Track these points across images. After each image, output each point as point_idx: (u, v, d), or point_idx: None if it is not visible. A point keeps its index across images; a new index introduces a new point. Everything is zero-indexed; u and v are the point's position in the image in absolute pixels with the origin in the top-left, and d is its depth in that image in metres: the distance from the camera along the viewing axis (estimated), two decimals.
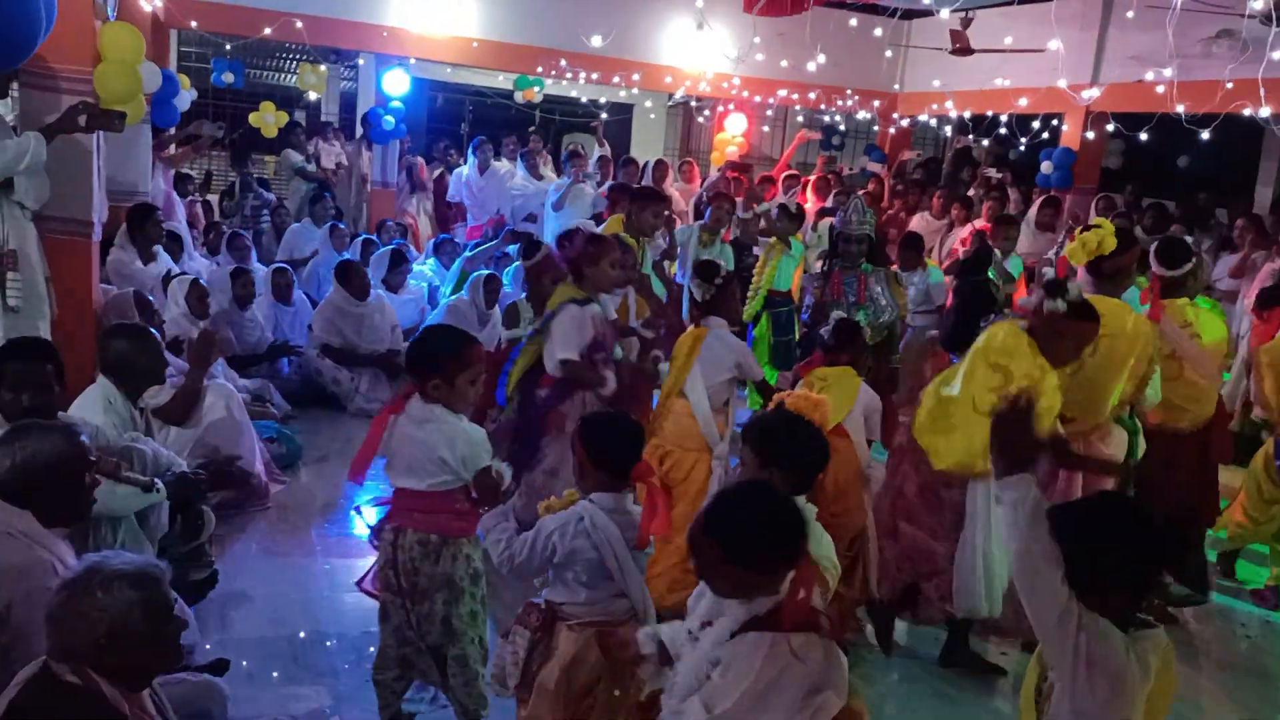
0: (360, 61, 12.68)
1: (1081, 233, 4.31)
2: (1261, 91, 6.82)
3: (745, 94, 11.37)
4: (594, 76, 10.74)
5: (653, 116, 15.28)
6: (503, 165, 10.77)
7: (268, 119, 11.77)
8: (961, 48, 9.39)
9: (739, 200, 8.46)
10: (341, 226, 9.02)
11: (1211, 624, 4.97)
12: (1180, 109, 7.64)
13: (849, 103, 11.76)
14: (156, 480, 3.41)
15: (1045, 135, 10.07)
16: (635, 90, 11.58)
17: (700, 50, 10.67)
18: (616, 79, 10.75)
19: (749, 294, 7.05)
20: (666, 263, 6.75)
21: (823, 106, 11.90)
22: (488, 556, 2.95)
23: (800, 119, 14.05)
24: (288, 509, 5.26)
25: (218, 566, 4.18)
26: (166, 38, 9.90)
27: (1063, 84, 8.70)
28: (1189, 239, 6.44)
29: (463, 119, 16.81)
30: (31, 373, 3.29)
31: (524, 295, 4.95)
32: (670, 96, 13.33)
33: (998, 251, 7.34)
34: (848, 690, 2.17)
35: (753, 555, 2.14)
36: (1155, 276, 4.69)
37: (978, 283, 5.60)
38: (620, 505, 2.80)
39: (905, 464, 4.03)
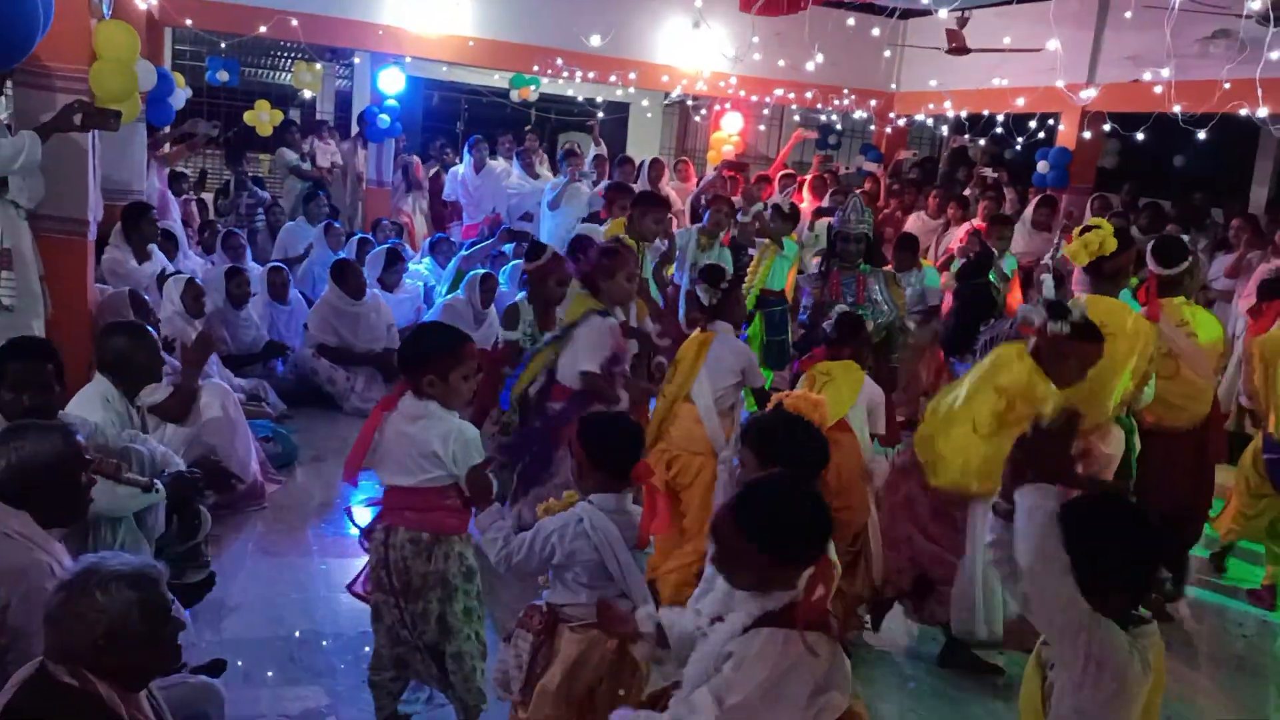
0: (356, 60, 12.67)
1: (1080, 234, 4.31)
2: (1259, 92, 6.83)
3: (742, 93, 11.36)
4: (590, 75, 10.73)
5: (649, 115, 15.28)
6: (498, 164, 10.76)
7: (262, 117, 11.74)
8: (957, 47, 9.39)
9: (735, 199, 8.46)
10: (337, 225, 9.00)
11: (1208, 623, 4.99)
12: (1177, 109, 7.64)
13: (845, 102, 11.76)
14: (156, 481, 3.40)
15: (1041, 135, 10.07)
16: (631, 89, 11.57)
17: (697, 49, 10.66)
18: (613, 78, 10.74)
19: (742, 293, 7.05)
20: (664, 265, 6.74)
21: (819, 106, 11.90)
22: (481, 553, 2.95)
23: (797, 118, 14.06)
24: (284, 509, 5.25)
25: (214, 567, 4.17)
26: (161, 36, 9.87)
27: (1060, 84, 8.71)
28: (1185, 238, 6.44)
29: (458, 118, 16.79)
30: (32, 373, 3.28)
31: (524, 296, 4.93)
32: (666, 95, 13.32)
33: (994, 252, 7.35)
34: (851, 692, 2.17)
35: (781, 545, 2.14)
36: (1152, 275, 4.70)
37: (978, 286, 5.62)
38: (620, 505, 2.80)
39: (914, 481, 4.02)
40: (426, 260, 9.30)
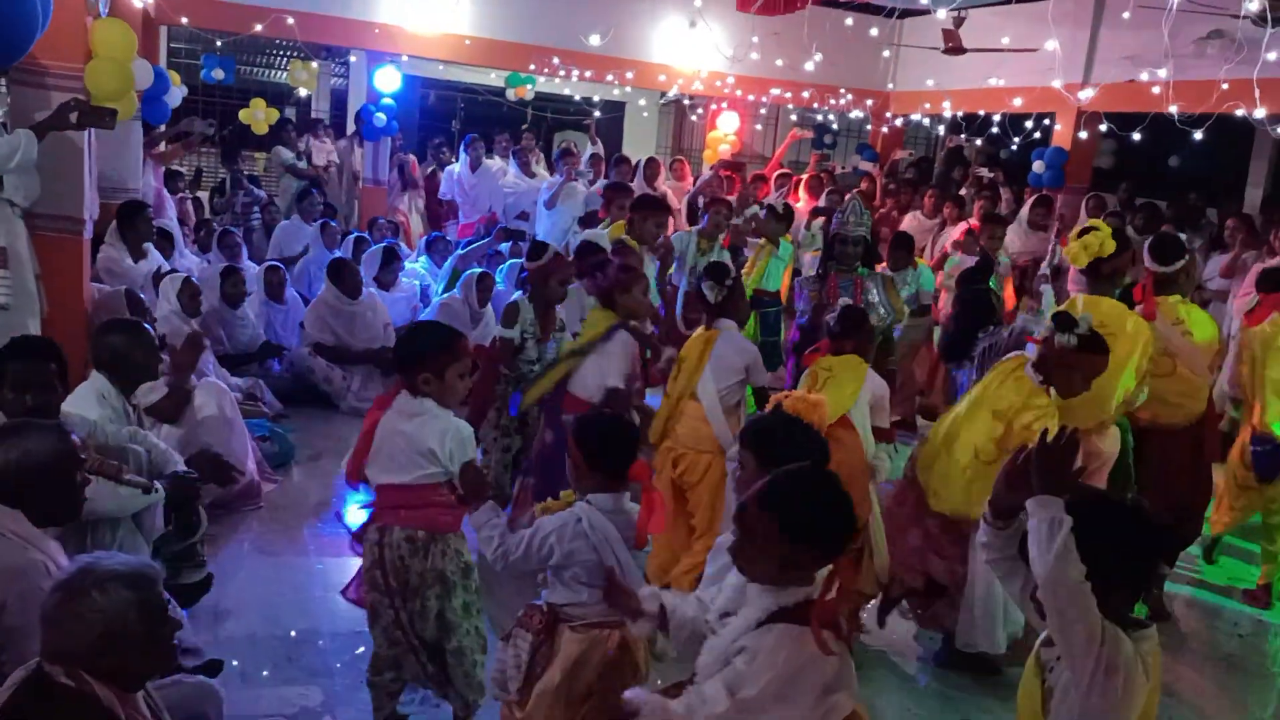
0: (352, 59, 12.65)
1: (1079, 235, 4.33)
2: (1256, 92, 6.84)
3: (739, 93, 11.36)
4: (588, 75, 10.72)
5: (645, 115, 15.28)
6: (495, 163, 10.75)
7: (258, 116, 11.73)
8: (953, 47, 9.40)
9: (731, 199, 8.46)
10: (333, 224, 8.99)
11: (1205, 623, 5.00)
12: (1174, 109, 7.65)
13: (842, 101, 11.77)
14: (156, 482, 3.39)
15: (1037, 135, 10.09)
16: (628, 88, 11.57)
17: (694, 49, 10.66)
18: (610, 77, 10.74)
19: None
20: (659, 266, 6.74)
21: (815, 105, 11.91)
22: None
23: (794, 118, 14.07)
24: (280, 508, 5.24)
25: (210, 567, 4.16)
26: (157, 34, 9.85)
27: (1057, 84, 8.73)
28: (1181, 237, 6.46)
29: (454, 116, 16.77)
30: (33, 372, 3.27)
31: (525, 295, 4.92)
32: (663, 95, 13.33)
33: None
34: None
35: (809, 533, 2.13)
36: (1148, 273, 4.71)
37: (978, 292, 5.59)
38: (618, 505, 2.79)
39: (920, 494, 4.02)
40: (422, 259, 9.28)
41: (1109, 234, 4.26)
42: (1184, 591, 5.20)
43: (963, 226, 8.70)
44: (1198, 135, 7.52)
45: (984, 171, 11.36)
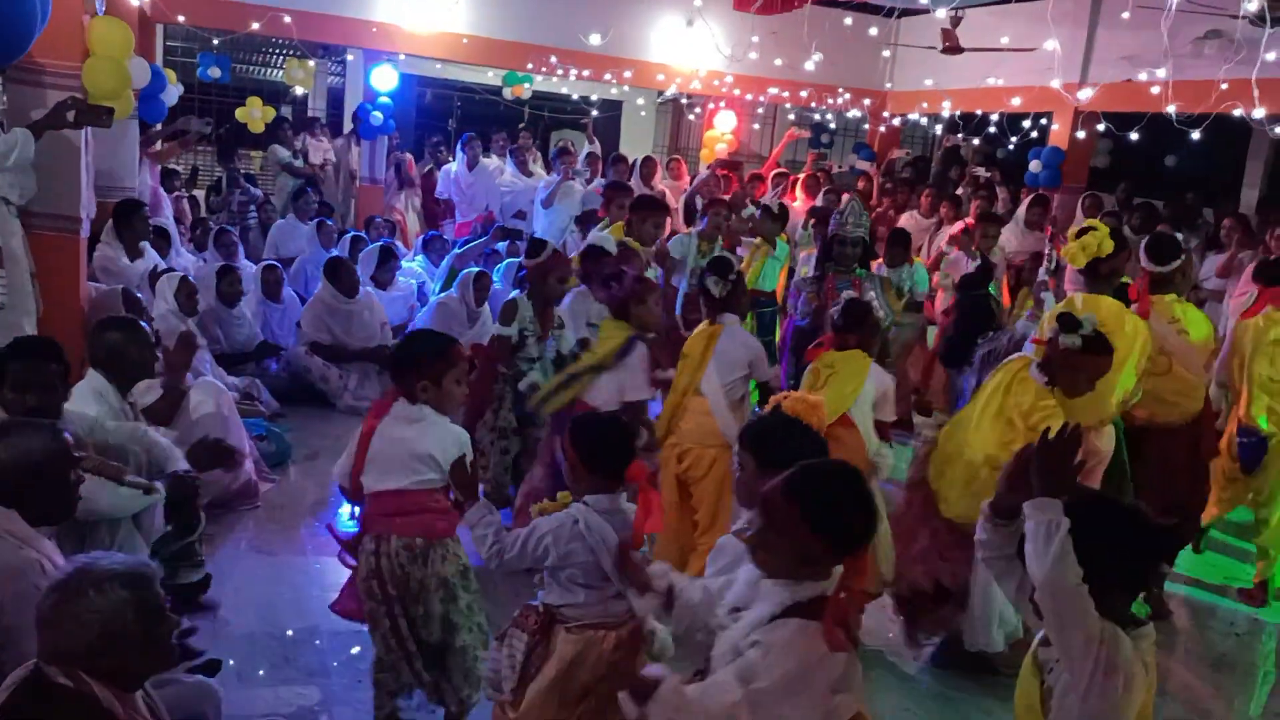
0: (349, 57, 12.63)
1: (1077, 235, 4.33)
2: (1255, 93, 6.84)
3: (737, 92, 11.36)
4: (585, 74, 10.71)
5: (643, 114, 15.27)
6: (491, 162, 10.73)
7: (254, 114, 11.70)
8: (951, 46, 9.41)
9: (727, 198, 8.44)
10: (329, 223, 8.98)
11: (1200, 622, 5.00)
12: (1172, 109, 7.66)
13: (840, 101, 11.77)
14: (157, 483, 3.39)
15: (1034, 134, 10.10)
16: (626, 87, 11.56)
17: (693, 48, 10.66)
18: (608, 76, 10.73)
19: None
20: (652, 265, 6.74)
21: (813, 105, 11.91)
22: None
23: (791, 117, 14.07)
24: (277, 507, 5.23)
25: (208, 567, 4.16)
26: (153, 32, 9.83)
27: (1056, 84, 8.73)
28: (1178, 237, 6.47)
29: (451, 115, 16.75)
30: (34, 373, 3.26)
31: (523, 293, 4.92)
32: (660, 94, 13.32)
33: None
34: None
35: (830, 523, 2.11)
36: (1144, 272, 4.73)
37: (978, 298, 5.60)
38: (614, 505, 2.79)
39: (928, 499, 4.01)
40: (419, 258, 9.28)
41: (1107, 234, 4.26)
42: (1180, 591, 5.21)
43: (959, 226, 8.71)
44: (1195, 135, 7.53)
45: (981, 171, 11.37)
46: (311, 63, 13.02)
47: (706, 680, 2.15)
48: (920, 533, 4.00)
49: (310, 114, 14.22)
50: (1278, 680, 4.58)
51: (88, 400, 3.64)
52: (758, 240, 7.31)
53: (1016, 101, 9.82)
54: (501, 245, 8.91)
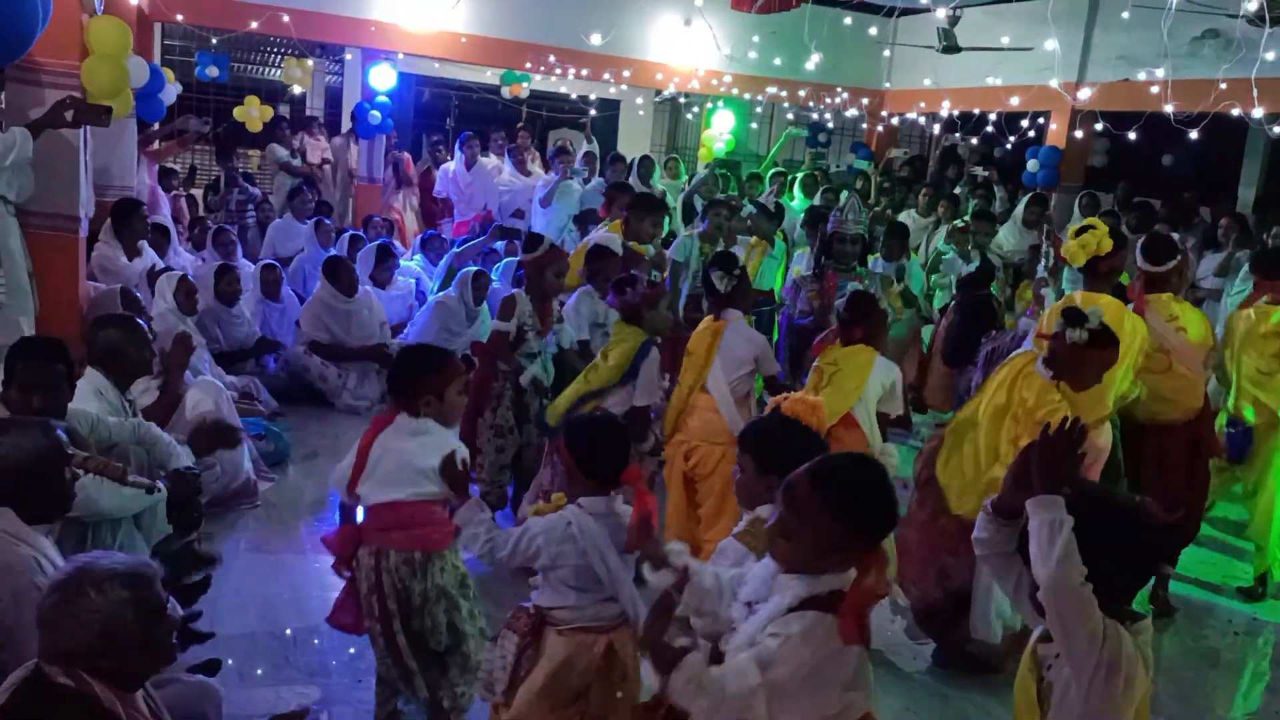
0: (347, 56, 12.63)
1: (1076, 234, 4.33)
2: (1254, 92, 6.84)
3: (736, 91, 11.36)
4: (584, 73, 10.71)
5: (641, 113, 15.27)
6: (490, 161, 10.74)
7: (252, 113, 11.70)
8: (950, 46, 9.41)
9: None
10: (327, 222, 8.97)
11: (1199, 620, 5.00)
12: (1170, 109, 7.67)
13: (839, 100, 11.77)
14: (158, 483, 3.39)
15: (1031, 134, 10.11)
16: (624, 86, 11.55)
17: (691, 47, 10.66)
18: (607, 75, 10.73)
19: None
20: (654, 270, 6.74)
21: (811, 104, 11.91)
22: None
23: (789, 116, 14.07)
24: (276, 507, 5.23)
25: (207, 567, 4.16)
26: (151, 31, 9.82)
27: (1054, 83, 8.74)
28: (1175, 236, 6.48)
29: (449, 114, 16.74)
30: (37, 372, 3.25)
31: (522, 289, 4.92)
32: (658, 93, 13.32)
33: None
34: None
35: (852, 513, 2.10)
36: (1141, 271, 4.73)
37: (979, 299, 5.60)
38: (609, 509, 2.78)
39: (941, 509, 4.01)
40: (418, 257, 9.27)
41: (1105, 232, 4.27)
42: (1179, 590, 5.21)
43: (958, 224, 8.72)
44: (1193, 135, 7.54)
45: (979, 170, 11.38)
46: (310, 62, 13.01)
47: (726, 663, 2.15)
48: (930, 531, 4.00)
49: (308, 113, 14.22)
50: (1276, 679, 4.59)
51: (87, 398, 3.64)
52: (754, 239, 7.31)
53: (1015, 101, 9.83)
54: (500, 244, 8.91)
